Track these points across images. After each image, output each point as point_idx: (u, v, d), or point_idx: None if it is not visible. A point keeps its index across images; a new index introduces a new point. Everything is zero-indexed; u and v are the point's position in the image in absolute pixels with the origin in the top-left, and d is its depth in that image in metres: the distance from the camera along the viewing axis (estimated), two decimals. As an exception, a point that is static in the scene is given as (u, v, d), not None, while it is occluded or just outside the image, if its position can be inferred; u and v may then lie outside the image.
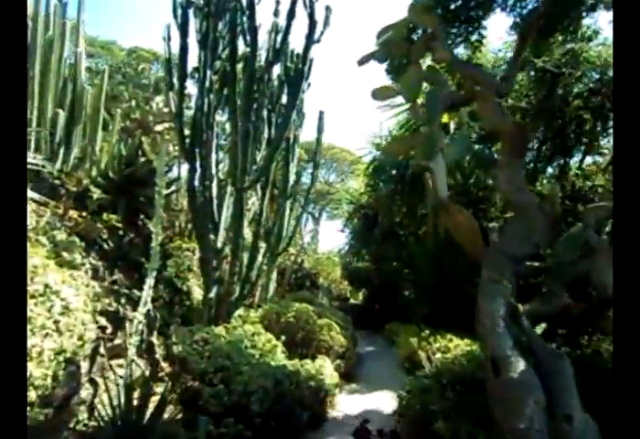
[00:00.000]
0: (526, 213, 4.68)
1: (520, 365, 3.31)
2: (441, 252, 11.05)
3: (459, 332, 10.47)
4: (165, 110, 14.22)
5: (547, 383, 3.31)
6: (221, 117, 9.44)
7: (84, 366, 5.45)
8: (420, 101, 5.44)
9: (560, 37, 10.44)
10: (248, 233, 9.03)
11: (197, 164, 8.11)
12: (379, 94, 5.98)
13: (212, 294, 7.66)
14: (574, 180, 11.17)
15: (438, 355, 7.76)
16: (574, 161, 12.91)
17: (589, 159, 13.65)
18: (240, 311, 8.48)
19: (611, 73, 10.65)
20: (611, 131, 12.94)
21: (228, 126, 8.91)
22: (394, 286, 14.71)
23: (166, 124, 14.12)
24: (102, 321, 6.08)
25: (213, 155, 8.42)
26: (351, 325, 11.12)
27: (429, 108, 4.50)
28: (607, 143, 13.73)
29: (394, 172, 13.62)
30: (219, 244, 7.97)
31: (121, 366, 5.66)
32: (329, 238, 53.81)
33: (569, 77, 11.69)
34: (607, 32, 10.44)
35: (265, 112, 8.46)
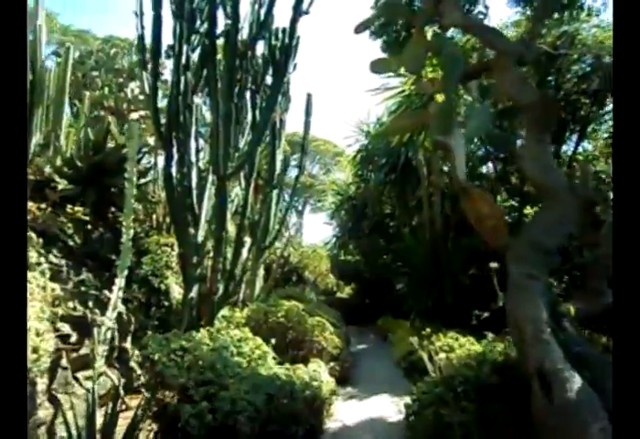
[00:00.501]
0: (555, 197, 4.05)
1: (576, 381, 2.66)
2: (437, 244, 10.46)
3: (457, 328, 9.93)
4: (142, 97, 13.30)
5: (606, 404, 2.67)
6: (200, 99, 8.63)
7: (43, 382, 4.69)
8: (426, 72, 4.77)
9: (556, 17, 9.90)
10: (231, 226, 8.28)
11: (174, 149, 7.31)
12: (378, 67, 5.29)
13: (193, 294, 6.90)
14: (574, 165, 10.67)
15: (441, 355, 7.15)
16: (565, 148, 12.42)
17: (586, 145, 13.20)
18: (225, 311, 7.74)
19: (607, 58, 10.16)
20: (606, 116, 12.50)
21: (208, 109, 8.09)
22: (386, 280, 14.12)
23: (143, 112, 13.20)
24: (66, 328, 5.28)
25: (192, 141, 7.62)
26: (343, 323, 10.47)
27: (447, 71, 3.83)
28: (603, 128, 13.27)
29: (384, 161, 12.95)
30: (200, 238, 7.20)
31: (90, 378, 4.88)
32: (313, 231, 53.03)
33: (564, 59, 11.16)
34: (603, 15, 9.93)
35: (249, 93, 7.69)
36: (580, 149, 12.61)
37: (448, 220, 10.67)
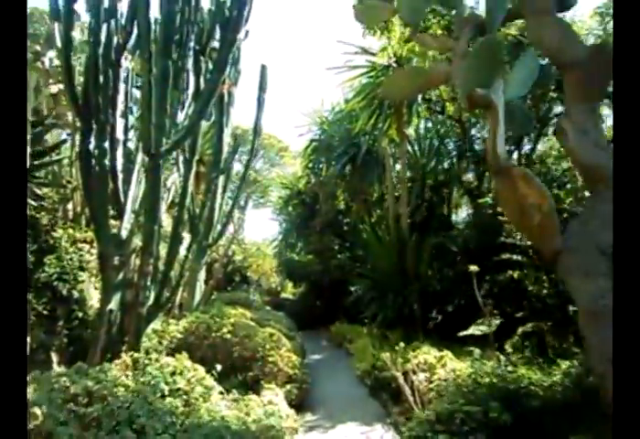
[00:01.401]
0: (607, 181, 2.97)
1: None
2: (403, 243, 9.40)
3: (426, 337, 8.96)
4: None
5: None
6: (131, 63, 6.98)
7: None
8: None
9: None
10: (167, 220, 6.75)
11: (93, 120, 5.73)
12: (365, 14, 4.05)
13: (113, 305, 5.35)
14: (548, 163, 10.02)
15: (420, 375, 6.06)
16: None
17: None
18: (157, 324, 6.22)
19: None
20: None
21: (140, 71, 6.48)
22: (340, 282, 12.96)
23: (62, 86, 11.21)
24: None
25: (118, 110, 6.05)
26: (297, 333, 9.21)
27: (491, 4, 2.64)
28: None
29: (342, 150, 11.77)
30: (125, 233, 5.65)
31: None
32: (255, 228, 51.13)
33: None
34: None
35: (192, 53, 6.20)
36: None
37: (414, 217, 9.68)
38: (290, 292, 24.16)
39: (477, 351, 6.17)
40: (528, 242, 8.62)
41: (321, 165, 14.86)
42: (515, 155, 10.85)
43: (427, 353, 6.77)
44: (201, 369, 4.31)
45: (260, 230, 43.44)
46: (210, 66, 6.09)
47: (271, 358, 6.02)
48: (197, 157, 6.26)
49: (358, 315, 11.75)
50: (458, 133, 11.50)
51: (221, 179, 7.18)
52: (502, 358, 6.18)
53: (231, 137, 7.15)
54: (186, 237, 6.59)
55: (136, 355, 4.48)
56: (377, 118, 9.64)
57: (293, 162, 26.58)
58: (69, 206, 8.50)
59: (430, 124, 11.69)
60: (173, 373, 3.98)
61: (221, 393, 4.42)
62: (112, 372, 3.62)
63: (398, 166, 11.15)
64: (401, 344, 6.60)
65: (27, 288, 5.50)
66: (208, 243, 7.26)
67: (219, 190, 7.21)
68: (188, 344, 6.23)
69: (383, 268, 9.56)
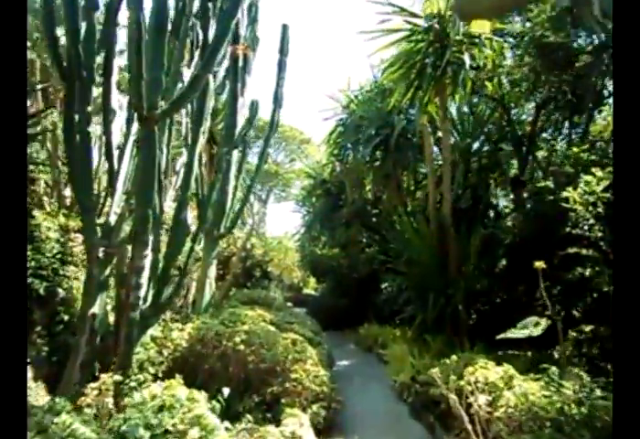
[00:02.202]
0: None
1: None
2: (445, 235, 8.13)
3: (476, 343, 7.70)
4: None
5: None
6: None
7: None
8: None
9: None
10: (170, 206, 5.64)
11: (77, 81, 4.64)
12: None
13: (97, 307, 4.27)
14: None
15: (481, 398, 4.84)
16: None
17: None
18: (156, 330, 5.14)
19: None
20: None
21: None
22: (369, 278, 11.74)
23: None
24: None
25: (110, 73, 4.96)
26: (323, 336, 8.07)
27: None
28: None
29: (373, 132, 10.49)
30: (113, 219, 4.56)
31: None
32: (277, 222, 50.19)
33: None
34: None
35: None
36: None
37: (457, 204, 8.39)
38: (312, 287, 23.06)
39: (553, 369, 4.91)
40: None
41: (348, 152, 13.62)
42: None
43: (485, 367, 5.51)
44: (202, 399, 3.17)
45: (281, 225, 42.59)
46: (218, 10, 4.90)
47: (293, 375, 4.86)
48: (205, 126, 5.11)
49: (391, 315, 10.53)
50: (498, 115, 10.13)
51: (235, 157, 6.02)
52: (585, 378, 4.90)
53: (248, 109, 5.97)
54: (193, 225, 5.45)
55: (117, 377, 3.38)
56: (415, 91, 8.35)
57: (316, 153, 25.35)
58: (67, 191, 7.51)
59: (466, 108, 10.37)
60: (160, 408, 2.85)
61: (228, 430, 3.28)
62: (66, 415, 2.49)
63: (436, 149, 9.85)
64: (454, 357, 5.37)
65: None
66: (220, 233, 6.13)
67: (233, 170, 6.06)
68: (195, 354, 5.14)
69: (422, 263, 8.30)
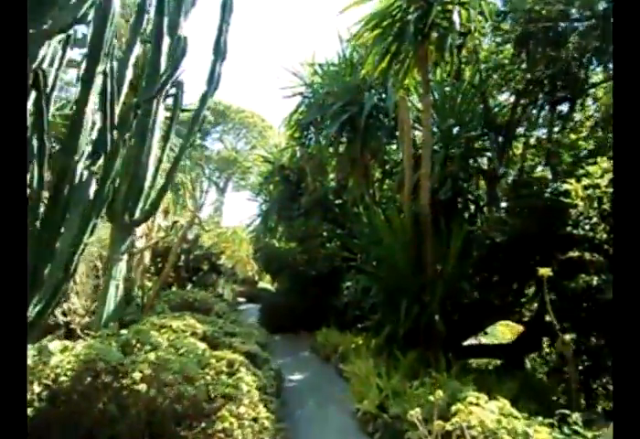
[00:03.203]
0: None
1: None
2: (422, 230, 6.84)
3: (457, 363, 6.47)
4: None
5: None
6: None
7: None
8: None
9: None
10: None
11: None
12: None
13: None
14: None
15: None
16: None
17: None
18: (30, 355, 3.54)
19: None
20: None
21: None
22: (330, 276, 10.38)
23: None
24: None
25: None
26: (273, 343, 6.66)
27: None
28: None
29: (339, 108, 9.04)
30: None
31: None
32: (236, 212, 48.04)
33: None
34: None
35: None
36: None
37: (436, 195, 7.11)
38: (268, 281, 21.60)
39: (575, 416, 3.69)
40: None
41: (310, 134, 12.15)
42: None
43: (477, 403, 4.24)
44: None
45: (240, 215, 40.75)
46: None
47: (220, 424, 3.40)
48: (108, 65, 3.51)
49: (353, 321, 9.23)
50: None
51: (157, 109, 4.43)
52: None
53: (174, 48, 4.40)
54: (79, 203, 3.84)
55: None
56: (391, 58, 6.99)
57: (275, 136, 23.78)
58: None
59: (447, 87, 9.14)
60: None
61: None
62: None
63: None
64: (439, 392, 4.05)
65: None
66: (134, 219, 4.54)
67: (156, 134, 4.48)
68: (82, 390, 3.58)
69: (393, 262, 6.99)
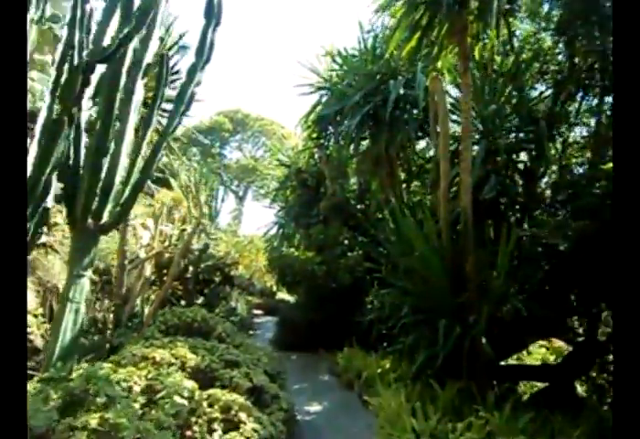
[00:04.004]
0: None
1: None
2: (464, 238, 5.70)
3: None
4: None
5: None
6: None
7: None
8: None
9: None
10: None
11: None
12: None
13: None
14: None
15: None
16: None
17: None
18: None
19: None
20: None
21: None
22: (352, 290, 9.29)
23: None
24: None
25: None
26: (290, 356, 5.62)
27: None
28: None
29: (361, 100, 8.00)
30: None
31: None
32: (255, 221, 47.26)
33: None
34: None
35: None
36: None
37: (479, 193, 5.98)
38: (283, 290, 20.58)
39: None
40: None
41: (329, 134, 11.15)
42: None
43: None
44: None
45: (260, 225, 39.92)
46: None
47: None
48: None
49: (379, 339, 8.10)
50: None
51: (137, 92, 3.46)
52: None
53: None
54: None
55: None
56: (423, 32, 5.95)
57: (292, 138, 22.89)
58: None
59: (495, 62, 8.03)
60: None
61: None
62: None
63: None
64: None
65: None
66: (101, 224, 3.56)
67: (129, 113, 3.50)
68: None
69: (427, 274, 5.87)
